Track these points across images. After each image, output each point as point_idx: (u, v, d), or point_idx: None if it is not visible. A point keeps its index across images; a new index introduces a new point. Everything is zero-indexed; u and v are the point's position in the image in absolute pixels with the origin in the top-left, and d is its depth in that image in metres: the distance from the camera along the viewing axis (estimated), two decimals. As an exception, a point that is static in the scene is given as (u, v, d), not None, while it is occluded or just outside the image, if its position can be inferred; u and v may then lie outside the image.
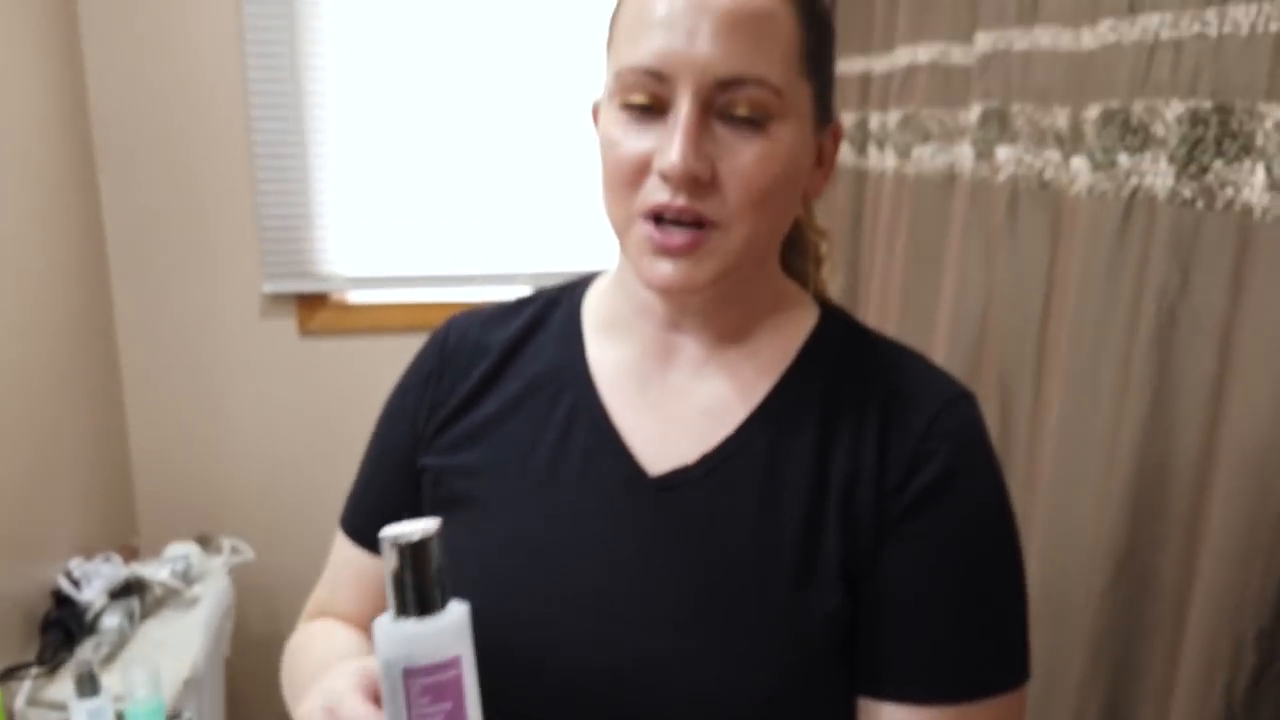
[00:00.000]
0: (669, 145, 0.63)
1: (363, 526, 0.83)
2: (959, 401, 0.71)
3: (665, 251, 0.66)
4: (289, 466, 2.27)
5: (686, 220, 0.65)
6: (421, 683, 0.53)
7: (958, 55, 1.60)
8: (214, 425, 2.24)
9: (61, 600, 1.66)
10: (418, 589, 0.55)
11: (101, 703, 1.29)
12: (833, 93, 0.72)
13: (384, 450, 0.84)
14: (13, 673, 1.50)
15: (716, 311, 0.73)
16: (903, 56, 1.75)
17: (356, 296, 2.30)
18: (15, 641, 1.57)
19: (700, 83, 0.63)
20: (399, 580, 0.55)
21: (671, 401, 0.74)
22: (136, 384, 2.18)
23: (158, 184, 2.10)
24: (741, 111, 0.64)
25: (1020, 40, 1.39)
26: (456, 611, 0.56)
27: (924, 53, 1.68)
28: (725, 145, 0.65)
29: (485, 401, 0.77)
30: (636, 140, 0.66)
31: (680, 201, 0.64)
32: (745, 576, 0.68)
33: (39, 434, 1.72)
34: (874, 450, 0.69)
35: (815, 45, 0.68)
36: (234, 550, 2.01)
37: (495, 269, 2.27)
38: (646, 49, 0.64)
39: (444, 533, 0.56)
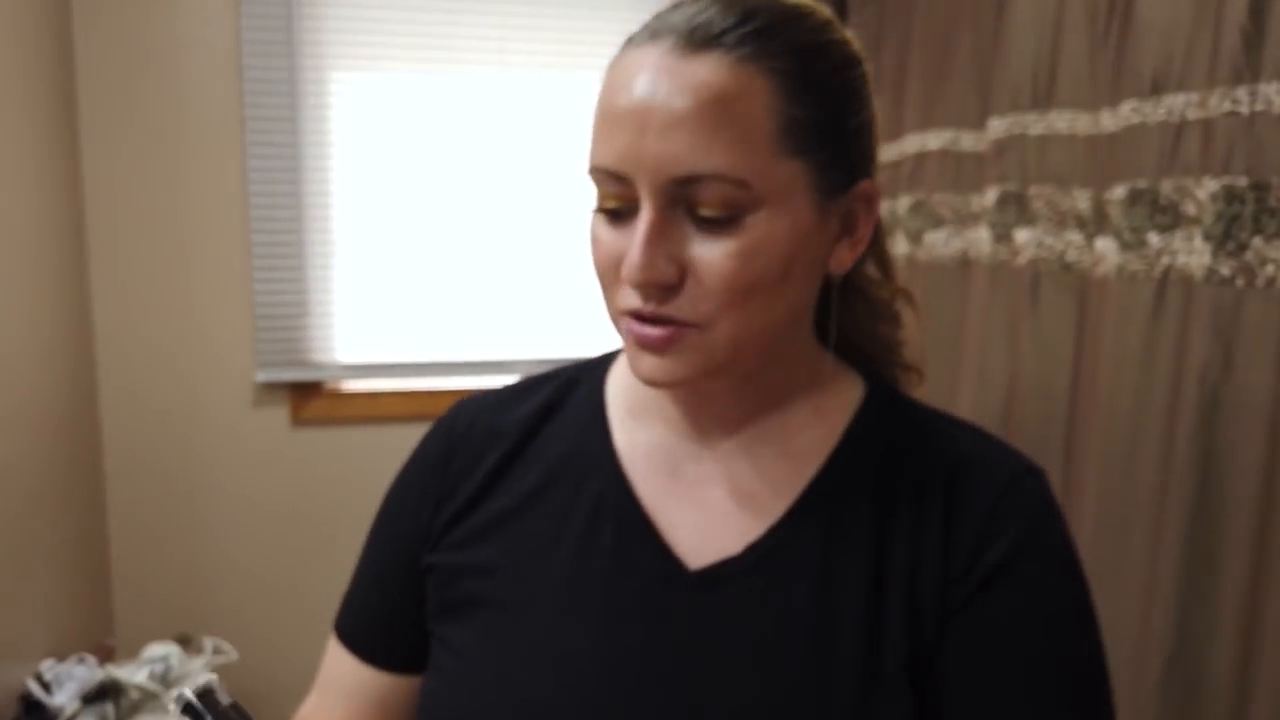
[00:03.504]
0: (631, 252, 0.59)
1: (360, 633, 0.76)
2: (1026, 477, 0.65)
3: (645, 346, 0.61)
4: (278, 562, 2.18)
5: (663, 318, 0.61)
6: None
7: (968, 142, 1.60)
8: (200, 519, 2.15)
9: (31, 706, 1.55)
10: None
11: (69, 819, 1.18)
12: (857, 154, 0.65)
13: (385, 549, 0.76)
14: (-27, 785, 1.39)
15: (734, 403, 0.68)
16: (911, 144, 1.75)
17: (352, 385, 2.24)
18: (-22, 750, 1.46)
19: (655, 182, 0.58)
20: None
21: (707, 489, 0.68)
22: (119, 475, 2.10)
23: (150, 269, 2.06)
24: (705, 211, 0.59)
25: (1036, 125, 1.39)
26: None
27: (934, 140, 1.68)
28: (694, 244, 0.59)
29: (500, 492, 0.71)
30: (612, 241, 0.62)
31: (650, 307, 0.60)
32: (805, 682, 0.61)
33: (11, 527, 1.64)
34: (936, 535, 0.63)
35: (809, 115, 0.60)
36: (217, 650, 1.90)
37: (494, 355, 2.23)
38: (605, 149, 0.60)
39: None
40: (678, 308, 0.59)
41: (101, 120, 2.00)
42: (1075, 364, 1.30)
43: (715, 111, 0.57)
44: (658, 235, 0.59)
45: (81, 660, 1.66)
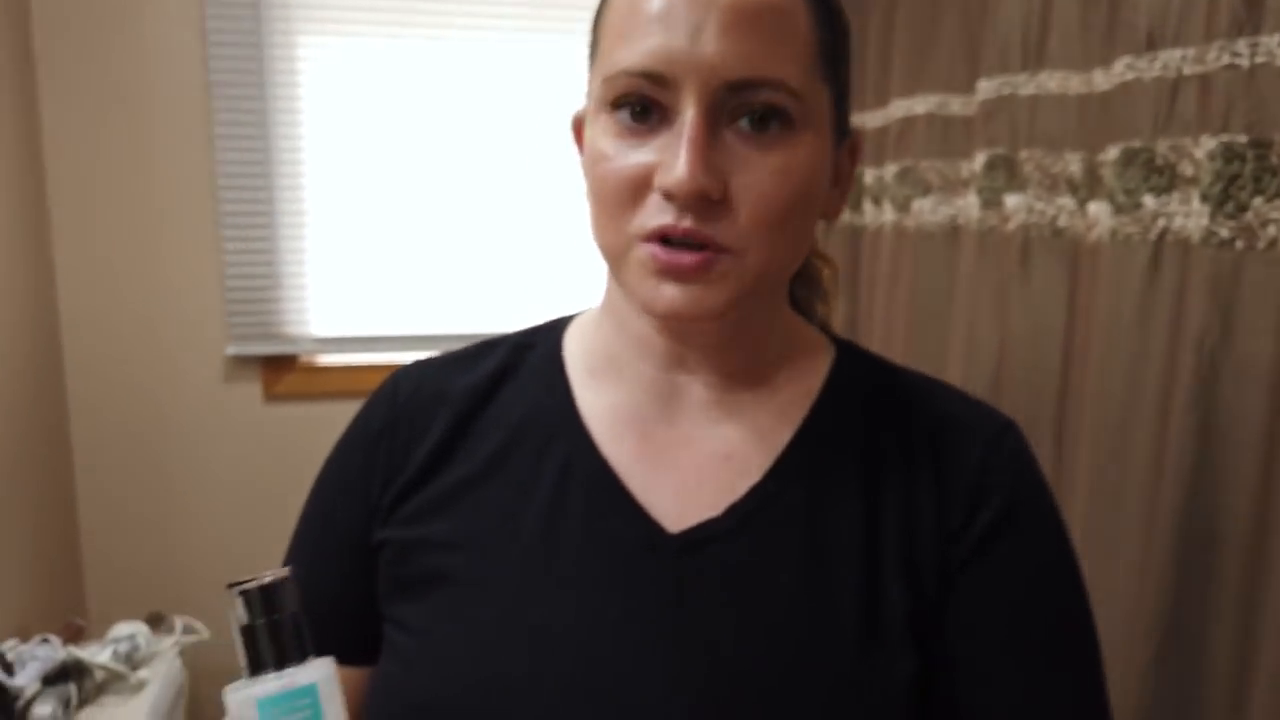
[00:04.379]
0: (673, 160, 0.54)
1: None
2: (1008, 430, 0.65)
3: (671, 274, 0.57)
4: (252, 540, 2.13)
5: (694, 243, 0.56)
6: None
7: (956, 106, 1.55)
8: (172, 496, 2.10)
9: (-10, 687, 1.50)
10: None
11: (25, 805, 1.14)
12: (849, 103, 0.64)
13: (325, 528, 0.71)
14: (-72, 771, 1.34)
15: (725, 347, 0.64)
16: (898, 109, 1.70)
17: (326, 359, 2.19)
18: (-66, 735, 1.41)
19: (707, 86, 0.54)
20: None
21: (681, 450, 0.64)
22: (87, 452, 2.05)
23: (115, 239, 2.00)
24: (756, 119, 0.56)
25: (1026, 86, 1.34)
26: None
27: (921, 104, 1.63)
28: (737, 158, 0.56)
29: (455, 461, 0.66)
30: (632, 154, 0.57)
31: (687, 223, 0.55)
32: (801, 645, 0.58)
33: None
34: (928, 492, 0.62)
35: (832, 45, 0.60)
36: (187, 629, 1.86)
37: (471, 328, 2.17)
38: (642, 49, 0.55)
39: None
40: (714, 229, 0.56)
41: (61, 88, 1.93)
42: (1067, 333, 1.26)
43: (775, 16, 0.56)
44: (706, 142, 0.55)
45: (45, 640, 1.61)
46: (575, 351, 0.69)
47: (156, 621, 1.85)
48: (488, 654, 0.60)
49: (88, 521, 2.06)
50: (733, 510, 0.62)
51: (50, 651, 1.57)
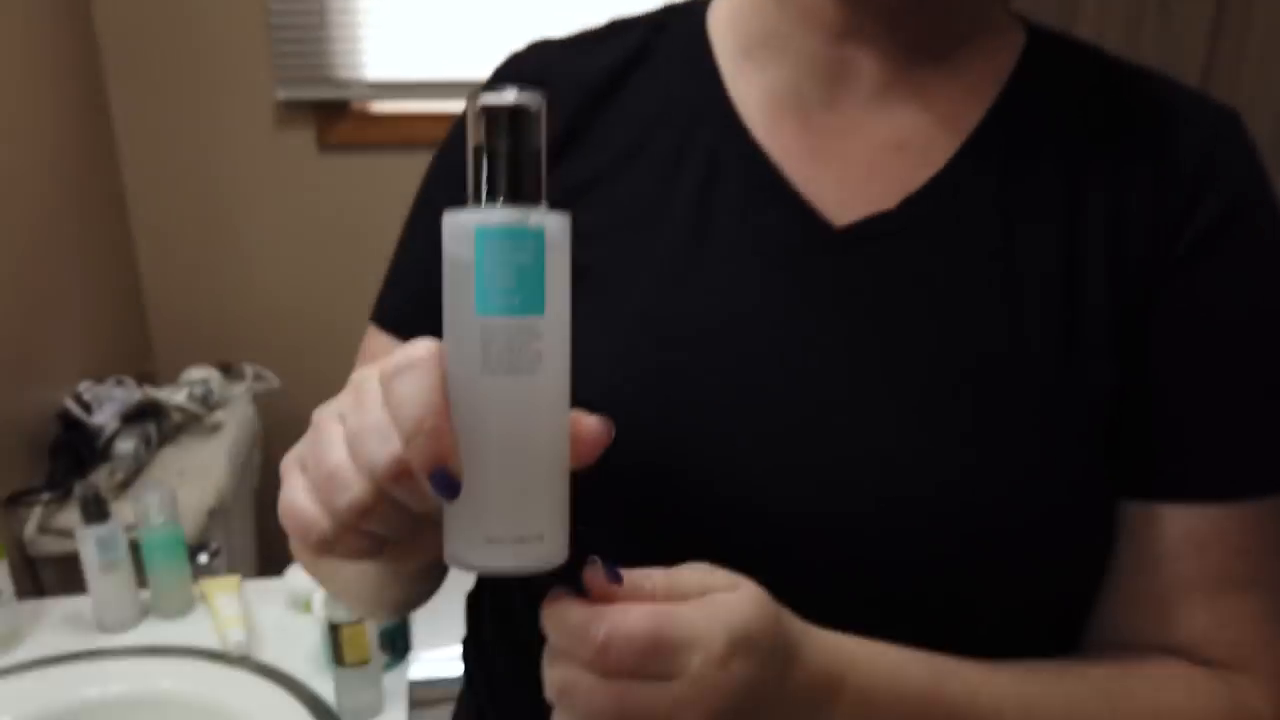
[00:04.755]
0: None
1: (410, 315, 0.62)
2: (1234, 121, 0.55)
3: None
4: (311, 291, 2.11)
5: None
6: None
7: None
8: (229, 246, 2.07)
9: (70, 424, 1.53)
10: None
11: (112, 529, 1.17)
12: None
13: (437, 219, 0.63)
14: (19, 498, 1.38)
15: (909, 10, 0.54)
16: None
17: (381, 106, 2.08)
18: (20, 466, 1.44)
19: None
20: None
21: (848, 137, 0.56)
22: (141, 200, 2.00)
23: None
24: None
25: None
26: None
27: None
28: None
29: (585, 150, 0.59)
30: None
31: None
32: (992, 352, 0.51)
33: (32, 248, 1.56)
34: (1141, 182, 0.53)
35: None
36: (257, 377, 1.88)
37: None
38: None
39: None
40: None
41: None
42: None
43: None
44: None
45: (120, 382, 1.62)
46: (723, 30, 0.60)
47: (226, 368, 1.87)
48: (629, 351, 0.53)
49: (148, 271, 2.05)
50: (909, 203, 0.54)
51: (126, 393, 1.59)
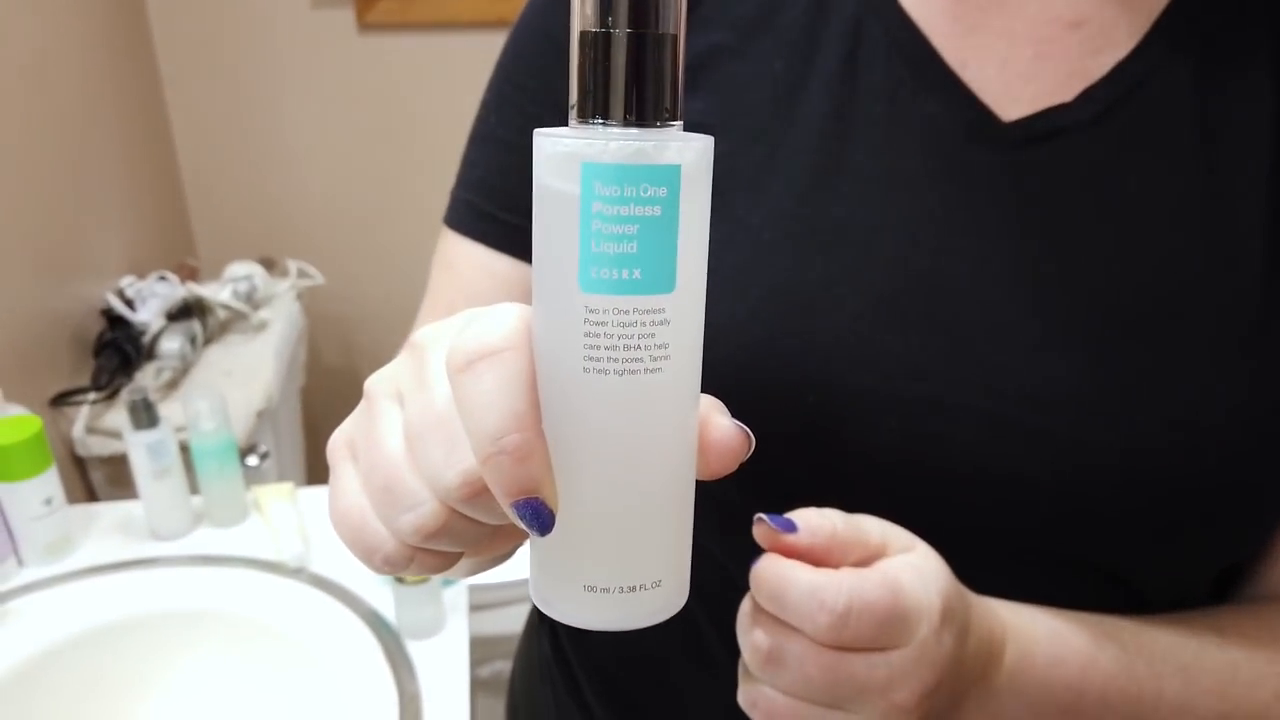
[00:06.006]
0: None
1: (496, 214, 0.54)
2: None
3: None
4: (353, 183, 2.03)
5: None
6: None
7: None
8: (267, 135, 1.99)
9: (114, 321, 1.49)
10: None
11: (162, 435, 1.13)
12: None
13: (526, 98, 0.53)
14: (65, 398, 1.35)
15: None
16: None
17: (421, -17, 1.96)
18: (65, 366, 1.41)
19: None
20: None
21: (1012, 13, 0.47)
22: (177, 86, 1.92)
23: None
24: None
25: None
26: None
27: None
28: None
29: (705, 21, 0.50)
30: None
31: None
32: (1190, 275, 0.43)
33: (69, 137, 1.49)
34: None
35: None
36: (301, 273, 1.82)
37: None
38: None
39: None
40: None
41: None
42: None
43: None
44: None
45: (163, 278, 1.57)
46: None
47: (270, 264, 1.81)
48: (762, 263, 0.46)
49: (187, 165, 1.98)
50: (1089, 95, 0.45)
51: (169, 289, 1.54)
